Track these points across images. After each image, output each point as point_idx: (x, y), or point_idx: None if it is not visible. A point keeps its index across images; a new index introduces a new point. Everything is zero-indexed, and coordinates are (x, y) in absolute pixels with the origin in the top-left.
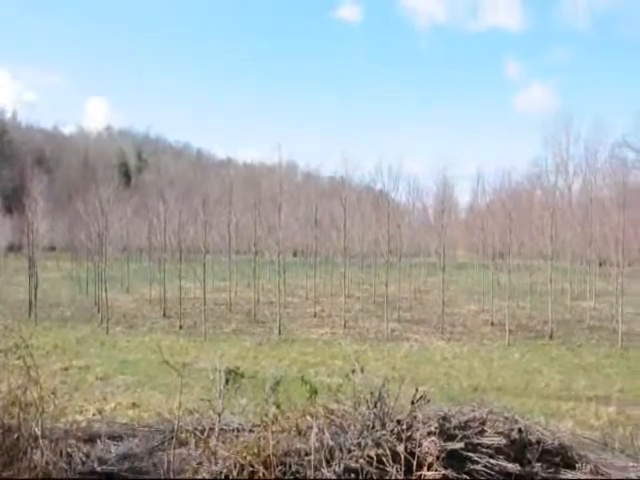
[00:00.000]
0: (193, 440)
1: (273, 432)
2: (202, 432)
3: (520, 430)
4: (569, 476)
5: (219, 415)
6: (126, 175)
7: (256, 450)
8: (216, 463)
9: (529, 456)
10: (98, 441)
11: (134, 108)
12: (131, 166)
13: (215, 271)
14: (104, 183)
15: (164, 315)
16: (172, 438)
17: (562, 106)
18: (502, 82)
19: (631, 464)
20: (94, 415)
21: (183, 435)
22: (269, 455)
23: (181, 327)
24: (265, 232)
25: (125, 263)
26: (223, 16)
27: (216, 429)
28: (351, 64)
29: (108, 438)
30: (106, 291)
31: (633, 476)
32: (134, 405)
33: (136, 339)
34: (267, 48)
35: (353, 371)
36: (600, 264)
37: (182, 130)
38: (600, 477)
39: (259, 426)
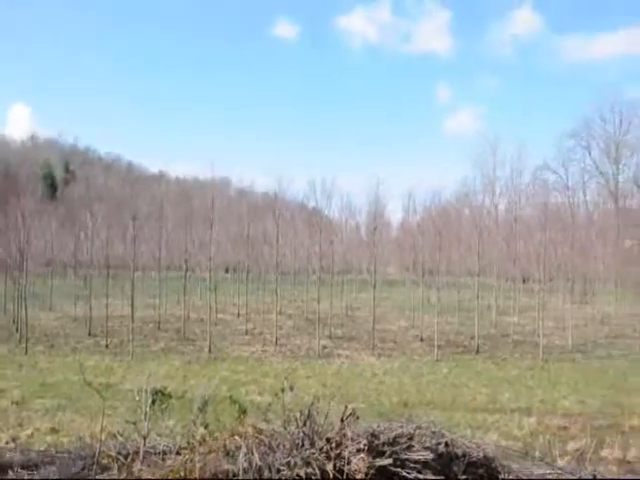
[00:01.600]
0: (116, 465)
1: (200, 454)
2: (126, 457)
3: (447, 444)
4: None
5: (144, 438)
6: (52, 187)
7: (182, 473)
8: None
9: (455, 469)
10: (10, 471)
11: (62, 118)
12: (57, 178)
13: (144, 288)
14: (27, 195)
15: (89, 334)
16: (93, 464)
17: (489, 130)
18: (433, 105)
19: (549, 471)
20: (7, 443)
21: (105, 460)
22: (196, 478)
23: (107, 346)
24: (197, 248)
25: (48, 279)
26: (159, 28)
27: (141, 453)
28: (286, 80)
29: (22, 467)
30: (26, 309)
31: None
32: (53, 430)
33: (58, 359)
34: (201, 62)
35: (283, 390)
36: (524, 280)
37: (113, 142)
38: None
39: (186, 448)
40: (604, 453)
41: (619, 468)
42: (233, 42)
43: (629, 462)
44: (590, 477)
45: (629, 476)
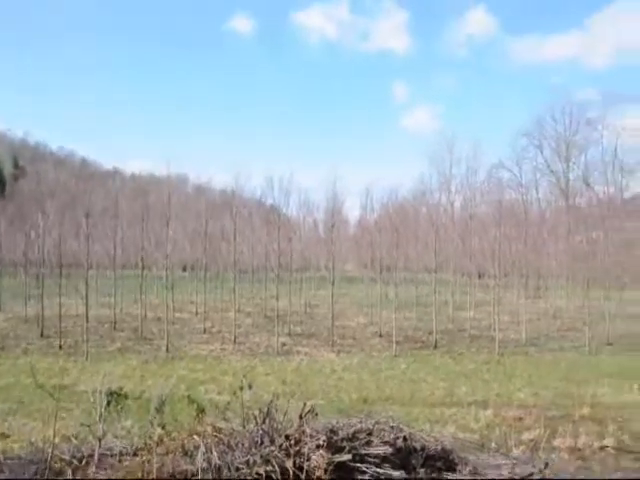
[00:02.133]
0: (70, 469)
1: (158, 454)
2: (80, 460)
3: (405, 438)
4: (450, 478)
5: (99, 440)
6: (0, 183)
7: (140, 474)
8: None
9: (414, 462)
10: None
11: (10, 111)
12: (6, 174)
13: (99, 287)
14: None
15: (42, 335)
16: (46, 469)
17: (445, 129)
18: (391, 103)
19: (504, 462)
20: None
21: (59, 465)
22: (153, 479)
23: (61, 347)
24: (153, 246)
25: None
26: (114, 23)
27: (96, 455)
28: (242, 76)
29: None
30: None
31: (505, 472)
32: (3, 436)
33: (8, 362)
34: (155, 57)
35: (241, 388)
36: (479, 276)
37: (66, 137)
38: (477, 477)
39: (143, 449)
40: (557, 442)
41: (570, 455)
42: (187, 37)
43: (579, 449)
44: (542, 465)
45: (579, 463)
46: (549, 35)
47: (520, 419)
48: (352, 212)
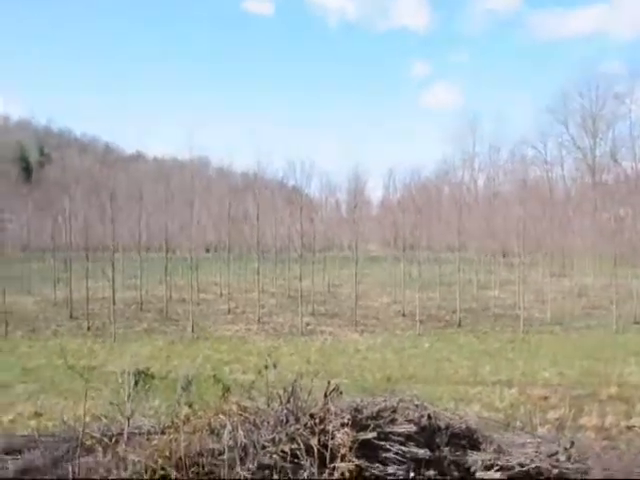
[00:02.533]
0: (100, 447)
1: (185, 433)
2: (110, 438)
3: (429, 416)
4: (474, 457)
5: (128, 419)
6: (26, 170)
7: (167, 452)
8: (125, 469)
9: (438, 441)
10: None
11: (35, 98)
12: (32, 161)
13: (125, 269)
14: (0, 178)
15: (71, 317)
16: (77, 446)
17: (468, 105)
18: (410, 81)
19: (529, 440)
20: None
21: (89, 442)
22: (181, 457)
23: (89, 329)
24: (177, 228)
25: (26, 263)
26: (132, 7)
27: (125, 433)
28: (262, 58)
29: (5, 453)
30: (4, 293)
31: (530, 451)
32: (37, 414)
33: (39, 344)
34: (176, 40)
35: (266, 367)
36: (503, 255)
37: (89, 123)
38: (502, 455)
39: (170, 427)
40: (582, 421)
41: (597, 434)
42: (207, 17)
43: (606, 429)
44: (568, 444)
45: (606, 443)
46: (573, 8)
47: (545, 398)
48: (374, 192)
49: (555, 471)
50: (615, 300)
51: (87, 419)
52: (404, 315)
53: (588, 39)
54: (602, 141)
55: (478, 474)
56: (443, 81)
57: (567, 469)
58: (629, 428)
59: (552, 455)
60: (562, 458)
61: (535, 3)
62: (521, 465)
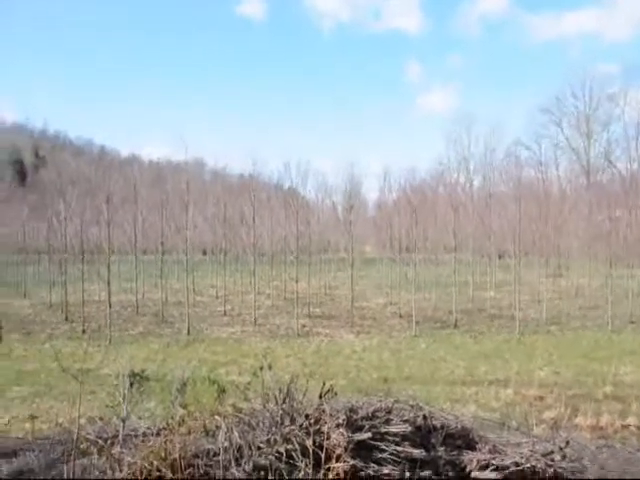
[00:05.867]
0: (96, 449)
1: (181, 434)
2: (105, 440)
3: (425, 417)
4: (470, 457)
5: (123, 421)
6: (21, 173)
7: (163, 454)
8: (120, 470)
9: (433, 441)
10: None
11: (30, 102)
12: (27, 164)
13: (121, 272)
14: None
15: (66, 320)
16: (73, 449)
17: (463, 107)
18: (405, 83)
19: (525, 440)
20: None
21: (85, 445)
22: (176, 458)
23: (84, 332)
24: (173, 231)
25: (21, 266)
26: (123, 10)
27: (120, 435)
28: (256, 61)
29: (0, 455)
30: None
31: (525, 451)
32: (32, 417)
33: (34, 347)
34: (170, 44)
35: (261, 368)
36: (499, 256)
37: (84, 126)
38: (497, 455)
39: (166, 429)
40: (578, 421)
41: (592, 434)
42: (201, 22)
43: (601, 428)
44: (563, 443)
45: (601, 442)
46: (566, 10)
47: (541, 398)
48: (370, 194)
49: (550, 470)
50: (610, 300)
51: (82, 421)
52: (400, 316)
53: (582, 41)
54: (596, 142)
55: (473, 474)
56: (438, 83)
57: (562, 468)
58: (624, 427)
59: (547, 454)
60: (557, 457)
61: (527, 6)
62: (516, 464)
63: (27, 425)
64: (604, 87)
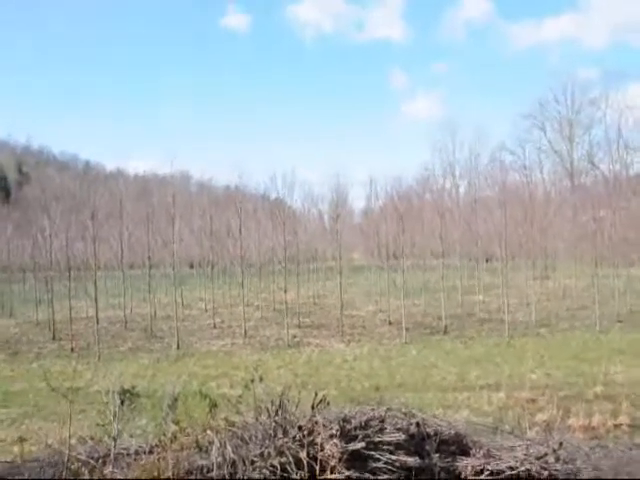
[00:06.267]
0: (87, 470)
1: (173, 451)
2: (97, 460)
3: (418, 424)
4: (464, 463)
5: (115, 439)
6: (4, 190)
7: (155, 472)
8: None
9: (427, 448)
10: None
11: (12, 118)
12: (10, 180)
13: (108, 288)
14: None
15: (54, 338)
16: (63, 470)
17: (447, 114)
18: (389, 91)
19: (518, 443)
20: None
21: (75, 466)
22: (169, 477)
23: (73, 350)
24: (159, 245)
25: (6, 284)
26: (108, 22)
27: (112, 455)
28: (241, 73)
29: None
30: None
31: (519, 454)
32: (21, 439)
33: (22, 367)
34: (154, 56)
35: (252, 381)
36: (487, 260)
37: (68, 141)
38: (492, 459)
39: (158, 446)
40: (570, 422)
41: (584, 434)
42: (185, 35)
43: (594, 428)
44: (556, 445)
45: (594, 442)
46: (545, 17)
47: (533, 400)
48: (357, 202)
49: (545, 473)
50: (597, 300)
51: (73, 442)
52: (390, 323)
53: (561, 47)
54: (579, 145)
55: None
56: (422, 90)
57: (557, 470)
58: (616, 426)
59: (541, 457)
60: (551, 460)
61: (508, 14)
62: (511, 468)
63: (16, 448)
64: (585, 91)
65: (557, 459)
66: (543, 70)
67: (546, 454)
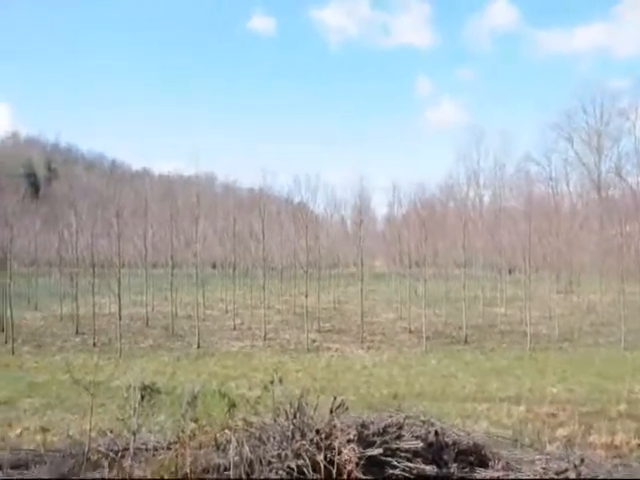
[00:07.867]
0: (106, 462)
1: (191, 448)
2: (116, 453)
3: (436, 433)
4: (483, 474)
5: (134, 434)
6: (34, 186)
7: (173, 468)
8: None
9: (445, 457)
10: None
11: (43, 115)
12: (40, 176)
13: (131, 285)
14: (9, 194)
15: (77, 332)
16: (83, 462)
17: (472, 121)
18: (414, 98)
19: (538, 457)
20: None
21: (95, 457)
22: (187, 473)
23: (95, 344)
24: (183, 245)
25: (33, 278)
26: (137, 25)
27: (131, 449)
28: (266, 75)
29: (11, 467)
30: (11, 309)
31: (539, 468)
32: (43, 429)
33: (45, 359)
34: (181, 58)
35: (272, 382)
36: (510, 271)
37: (96, 139)
38: (510, 472)
39: (177, 443)
40: (592, 439)
41: (607, 452)
42: (212, 36)
43: (616, 446)
44: (578, 461)
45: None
46: (575, 26)
47: (554, 415)
48: (380, 208)
49: None
50: (623, 316)
51: (93, 434)
52: (410, 332)
53: (591, 56)
54: (607, 157)
55: None
56: (448, 97)
57: None
58: None
59: (562, 472)
60: (572, 475)
61: (535, 21)
62: None
63: (38, 437)
64: (614, 102)
65: (578, 475)
66: (571, 78)
67: (567, 469)
